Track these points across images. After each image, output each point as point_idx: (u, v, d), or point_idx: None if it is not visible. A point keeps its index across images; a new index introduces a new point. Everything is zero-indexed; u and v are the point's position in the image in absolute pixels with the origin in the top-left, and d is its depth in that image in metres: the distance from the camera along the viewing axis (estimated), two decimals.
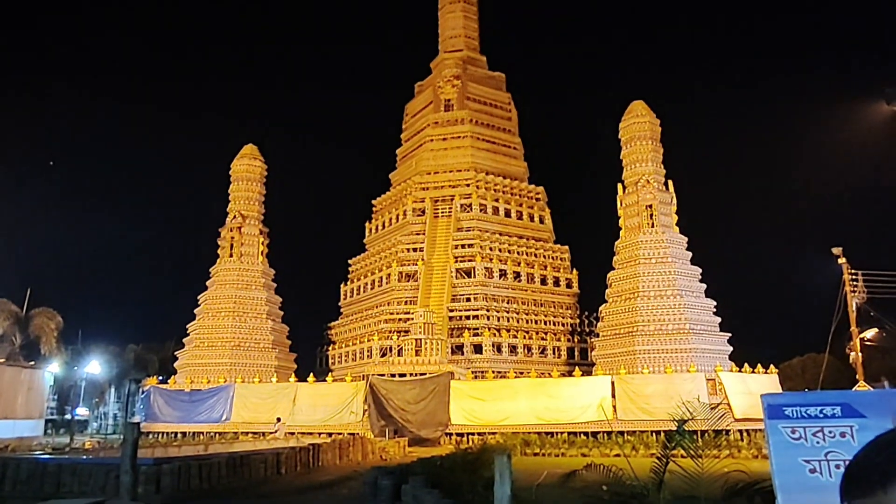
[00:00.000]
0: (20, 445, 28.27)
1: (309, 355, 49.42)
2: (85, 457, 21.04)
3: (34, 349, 44.03)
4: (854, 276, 33.27)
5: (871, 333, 37.74)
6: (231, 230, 44.02)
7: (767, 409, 4.16)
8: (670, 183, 40.20)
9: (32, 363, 40.02)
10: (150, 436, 34.17)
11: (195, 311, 43.66)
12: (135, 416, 39.76)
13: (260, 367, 40.52)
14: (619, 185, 40.73)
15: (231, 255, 43.60)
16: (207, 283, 44.07)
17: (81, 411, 54.35)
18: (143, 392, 38.72)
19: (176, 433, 35.13)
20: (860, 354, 32.92)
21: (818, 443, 3.88)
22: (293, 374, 39.25)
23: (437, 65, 58.62)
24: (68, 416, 48.13)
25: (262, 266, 44.28)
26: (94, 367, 48.06)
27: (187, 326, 43.37)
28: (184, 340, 43.28)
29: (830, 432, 3.86)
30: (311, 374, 37.34)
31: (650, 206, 39.00)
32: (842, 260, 33.54)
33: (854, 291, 33.04)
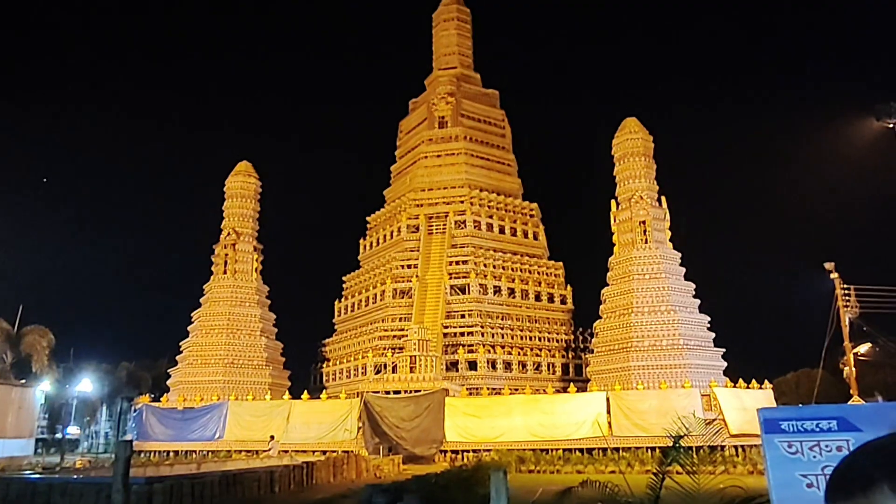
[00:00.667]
0: (10, 465, 27.91)
1: (303, 372, 49.31)
2: (76, 476, 20.79)
3: (25, 367, 43.58)
4: (846, 291, 33.42)
5: (864, 348, 37.86)
6: (225, 247, 43.85)
7: (764, 423, 4.14)
8: (663, 199, 40.20)
9: (23, 381, 39.61)
10: (142, 454, 33.80)
11: (188, 328, 43.33)
12: (126, 434, 39.38)
13: (254, 384, 40.16)
14: (613, 202, 40.71)
15: (225, 272, 43.41)
16: (201, 300, 43.77)
17: (72, 430, 53.74)
18: (135, 410, 38.41)
19: (168, 452, 34.78)
20: (853, 369, 32.99)
21: (815, 457, 3.86)
22: (287, 392, 38.99)
23: (432, 82, 58.98)
24: (59, 435, 47.58)
25: (257, 283, 44.10)
26: (86, 385, 47.62)
27: (180, 344, 42.99)
28: (177, 358, 42.86)
29: (827, 446, 3.85)
30: (306, 392, 37.19)
31: (644, 222, 39.00)
32: (834, 275, 33.71)
33: (846, 306, 33.19)
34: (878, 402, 29.66)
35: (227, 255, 43.71)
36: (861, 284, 34.07)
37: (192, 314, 43.73)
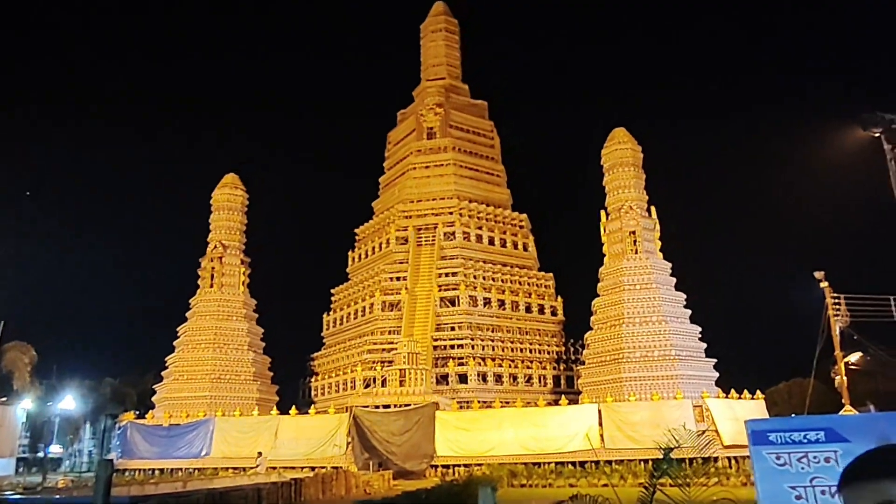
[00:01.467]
0: None
1: (291, 387, 49.08)
2: (58, 496, 20.51)
3: (6, 384, 43.07)
4: (836, 300, 33.65)
5: (855, 357, 38.07)
6: (212, 260, 43.78)
7: (752, 435, 4.18)
8: (653, 209, 40.52)
9: (4, 399, 39.15)
10: (127, 473, 33.53)
11: (174, 343, 43.11)
12: (110, 452, 38.95)
13: (241, 399, 39.99)
14: (603, 212, 41.01)
15: (212, 286, 43.33)
16: (187, 314, 43.63)
17: (55, 448, 53.02)
18: (119, 427, 38.10)
19: (154, 470, 34.49)
20: (845, 379, 33.18)
21: (803, 468, 3.87)
22: (275, 407, 38.91)
23: (420, 93, 59.19)
24: (41, 454, 46.92)
25: (244, 296, 44.07)
26: (69, 402, 47.06)
27: (166, 359, 42.78)
28: (162, 374, 42.64)
29: (815, 458, 3.86)
30: (294, 407, 37.01)
31: (633, 233, 39.28)
32: (824, 284, 33.92)
33: (837, 315, 33.40)
34: (870, 412, 29.87)
35: (213, 268, 43.62)
36: (857, 289, 34.32)
37: (177, 328, 43.54)
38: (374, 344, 44.88)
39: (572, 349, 47.01)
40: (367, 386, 41.16)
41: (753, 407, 33.00)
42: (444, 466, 31.46)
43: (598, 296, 39.56)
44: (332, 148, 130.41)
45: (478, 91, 61.08)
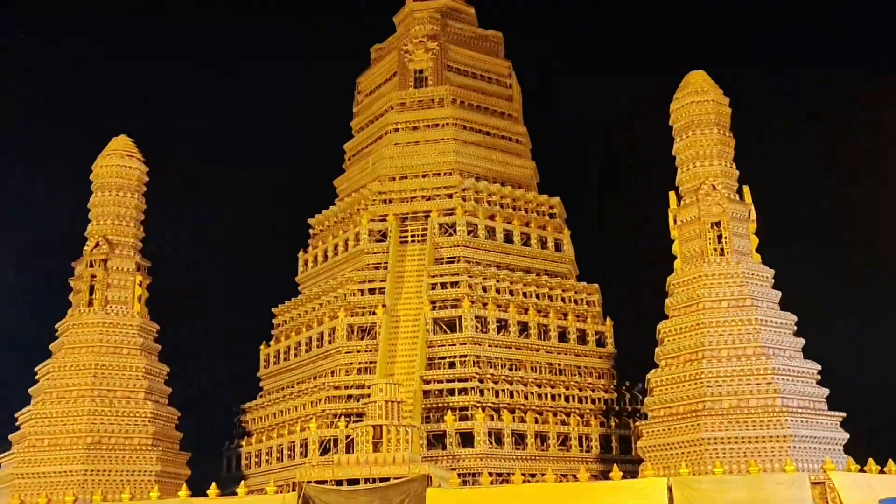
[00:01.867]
0: None
1: (211, 454, 49.27)
2: None
3: None
4: None
5: None
6: (91, 265, 43.20)
7: None
8: (746, 190, 40.62)
9: None
10: None
11: (30, 390, 42.52)
12: None
13: (132, 475, 39.49)
14: (672, 194, 41.27)
15: (91, 304, 42.77)
16: (51, 346, 43.17)
17: None
18: None
19: None
20: None
21: None
22: (185, 486, 38.18)
23: (404, 19, 59.70)
24: None
25: (140, 319, 43.62)
26: None
27: (16, 416, 42.20)
28: (10, 437, 42.04)
29: None
30: (214, 484, 36.18)
31: (718, 224, 39.39)
32: None
33: None
34: None
35: (93, 276, 43.05)
36: None
37: (35, 369, 42.92)
38: (337, 388, 44.82)
39: (628, 395, 47.69)
40: (326, 451, 41.24)
41: None
42: None
43: (666, 317, 39.63)
44: (275, 102, 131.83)
45: (489, 18, 61.82)
